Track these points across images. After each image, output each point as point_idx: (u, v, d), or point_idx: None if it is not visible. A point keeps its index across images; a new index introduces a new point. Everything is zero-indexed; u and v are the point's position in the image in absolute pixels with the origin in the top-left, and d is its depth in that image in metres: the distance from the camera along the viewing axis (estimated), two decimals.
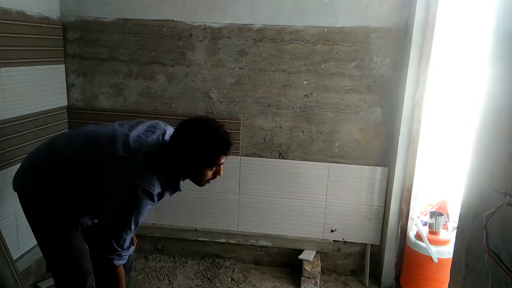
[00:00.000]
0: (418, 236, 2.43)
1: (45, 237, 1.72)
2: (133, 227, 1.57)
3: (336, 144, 2.62)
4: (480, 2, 2.20)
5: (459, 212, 1.60)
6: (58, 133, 2.59)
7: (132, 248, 1.68)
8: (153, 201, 1.57)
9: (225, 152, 1.59)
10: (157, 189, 1.56)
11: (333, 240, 2.74)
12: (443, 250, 2.34)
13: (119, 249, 1.59)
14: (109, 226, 1.57)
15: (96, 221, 1.83)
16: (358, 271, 2.81)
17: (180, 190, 1.73)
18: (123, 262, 1.63)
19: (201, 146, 1.54)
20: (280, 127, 2.63)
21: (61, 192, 1.64)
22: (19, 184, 1.70)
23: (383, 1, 2.41)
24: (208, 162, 1.59)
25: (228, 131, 1.61)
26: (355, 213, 2.68)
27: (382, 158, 2.61)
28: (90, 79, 2.71)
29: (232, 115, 2.65)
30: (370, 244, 2.72)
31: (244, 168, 2.70)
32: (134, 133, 1.63)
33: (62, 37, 2.64)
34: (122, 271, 1.66)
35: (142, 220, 1.60)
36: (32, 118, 2.39)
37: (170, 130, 1.73)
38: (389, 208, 2.59)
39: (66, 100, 2.73)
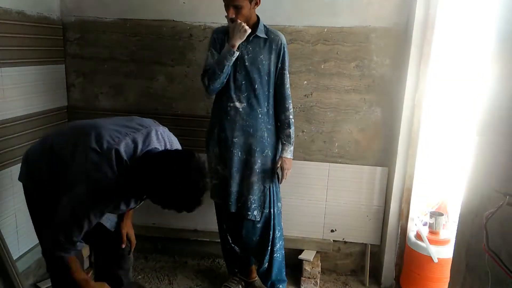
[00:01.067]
0: (418, 236, 2.43)
1: (39, 223, 1.73)
2: (85, 224, 1.47)
3: (336, 144, 2.62)
4: (480, 2, 2.20)
5: (459, 212, 1.60)
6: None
7: (81, 244, 1.57)
8: (108, 202, 1.49)
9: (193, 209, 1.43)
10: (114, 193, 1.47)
11: (333, 240, 2.74)
12: (443, 250, 2.33)
13: (67, 242, 1.51)
14: (61, 219, 1.49)
15: None
16: (358, 271, 2.81)
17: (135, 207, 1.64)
18: (68, 255, 1.55)
19: (173, 198, 1.39)
20: None
21: (52, 183, 1.61)
22: (20, 174, 1.73)
23: (383, 1, 2.41)
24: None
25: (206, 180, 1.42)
26: (355, 213, 2.68)
27: (382, 158, 2.61)
28: (90, 79, 2.71)
29: None
30: (370, 244, 2.72)
31: None
32: (113, 127, 1.53)
33: (62, 37, 2.64)
34: (73, 261, 1.58)
35: (96, 219, 1.50)
36: (32, 118, 2.39)
37: (155, 136, 1.57)
38: (389, 208, 2.59)
39: (66, 100, 2.73)
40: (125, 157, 1.45)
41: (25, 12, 2.30)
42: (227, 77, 2.15)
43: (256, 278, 2.57)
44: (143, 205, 2.83)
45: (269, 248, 2.34)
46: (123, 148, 1.46)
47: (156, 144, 1.55)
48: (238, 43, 2.06)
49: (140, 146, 1.50)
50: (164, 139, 1.60)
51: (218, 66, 2.09)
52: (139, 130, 1.55)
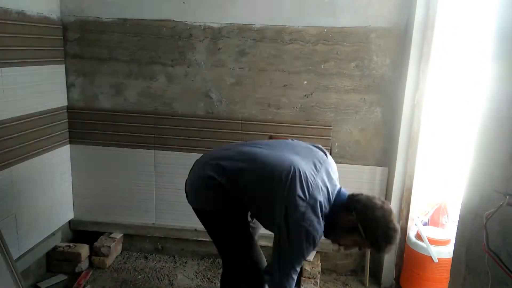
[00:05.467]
0: (418, 236, 2.43)
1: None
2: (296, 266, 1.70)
3: (336, 144, 2.62)
4: (480, 1, 2.20)
5: (459, 212, 1.60)
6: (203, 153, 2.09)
7: None
8: (315, 245, 1.68)
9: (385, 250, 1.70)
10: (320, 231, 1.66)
11: None
12: (443, 250, 2.34)
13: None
14: (288, 264, 1.71)
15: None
16: (358, 271, 2.81)
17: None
18: None
19: (372, 240, 1.67)
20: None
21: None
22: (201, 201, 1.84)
23: (383, 1, 2.41)
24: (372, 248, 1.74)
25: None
26: None
27: (382, 158, 2.61)
28: (90, 79, 2.71)
29: (232, 115, 2.64)
30: None
31: None
32: (304, 164, 1.68)
33: (62, 37, 2.64)
34: None
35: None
36: (32, 118, 2.39)
37: (330, 165, 1.81)
38: None
39: (66, 100, 2.73)
40: (325, 205, 1.67)
41: (25, 12, 2.30)
42: None
43: None
44: (142, 206, 2.83)
45: None
46: (322, 197, 1.66)
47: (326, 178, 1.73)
48: None
49: (329, 188, 1.71)
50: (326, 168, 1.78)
51: None
52: (321, 169, 1.73)
